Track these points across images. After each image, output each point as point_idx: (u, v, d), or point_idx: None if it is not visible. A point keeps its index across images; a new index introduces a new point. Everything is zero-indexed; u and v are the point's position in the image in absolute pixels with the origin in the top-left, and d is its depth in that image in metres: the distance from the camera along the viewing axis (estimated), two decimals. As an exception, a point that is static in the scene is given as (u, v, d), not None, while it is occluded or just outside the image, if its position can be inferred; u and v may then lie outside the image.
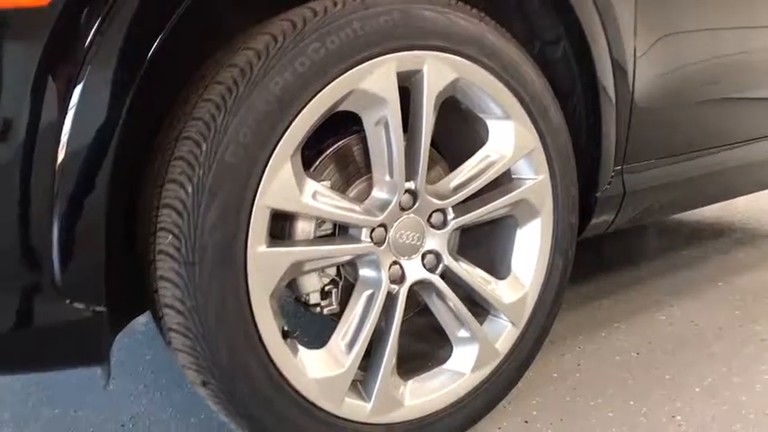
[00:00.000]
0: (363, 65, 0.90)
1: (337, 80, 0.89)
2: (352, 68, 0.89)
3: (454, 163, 1.14)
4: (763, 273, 2.07)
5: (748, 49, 1.61)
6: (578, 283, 1.94)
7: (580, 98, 1.27)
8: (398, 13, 0.93)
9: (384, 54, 0.92)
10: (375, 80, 0.92)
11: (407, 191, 1.03)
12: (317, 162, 1.03)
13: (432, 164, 1.11)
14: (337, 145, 1.05)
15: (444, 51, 0.99)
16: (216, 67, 0.86)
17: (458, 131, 1.16)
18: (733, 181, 1.82)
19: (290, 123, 0.85)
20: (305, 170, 0.99)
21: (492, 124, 1.11)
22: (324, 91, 0.88)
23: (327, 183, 1.00)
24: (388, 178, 1.00)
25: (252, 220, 0.83)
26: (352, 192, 1.05)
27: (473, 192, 1.09)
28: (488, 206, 1.11)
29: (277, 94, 0.83)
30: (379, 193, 1.01)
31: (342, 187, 1.05)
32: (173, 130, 0.84)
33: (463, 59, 1.01)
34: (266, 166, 0.84)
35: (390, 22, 0.92)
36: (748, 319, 1.67)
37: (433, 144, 1.06)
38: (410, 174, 1.02)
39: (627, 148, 1.33)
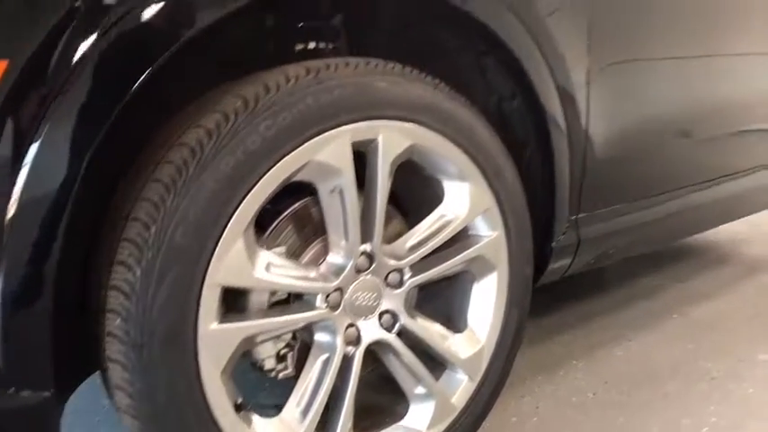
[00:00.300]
0: (317, 138, 0.91)
1: (291, 154, 0.89)
2: (305, 142, 0.90)
3: (412, 217, 1.15)
4: (718, 302, 2.12)
5: (706, 93, 1.66)
6: (539, 314, 1.97)
7: (535, 151, 1.30)
8: (352, 86, 0.94)
9: (338, 126, 0.93)
10: (330, 152, 0.93)
11: (363, 253, 1.04)
12: (273, 225, 1.03)
13: (387, 219, 1.12)
14: (293, 207, 1.05)
15: (399, 120, 1.00)
16: (167, 142, 0.85)
17: (416, 187, 1.17)
18: (696, 219, 1.86)
19: (242, 200, 0.85)
20: (260, 233, 0.99)
21: (448, 185, 1.12)
22: (277, 166, 0.88)
23: (282, 248, 1.00)
24: (343, 243, 1.01)
25: (202, 298, 0.83)
26: (309, 253, 1.05)
27: (429, 251, 1.10)
28: (445, 264, 1.12)
29: (228, 174, 0.83)
30: (334, 258, 1.02)
31: (298, 249, 1.05)
32: (122, 209, 0.83)
33: (418, 126, 1.02)
34: (217, 244, 0.84)
35: (344, 95, 0.93)
36: (700, 354, 1.72)
37: (390, 198, 1.07)
38: (366, 236, 1.03)
39: (581, 198, 1.36)
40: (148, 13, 0.79)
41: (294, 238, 1.05)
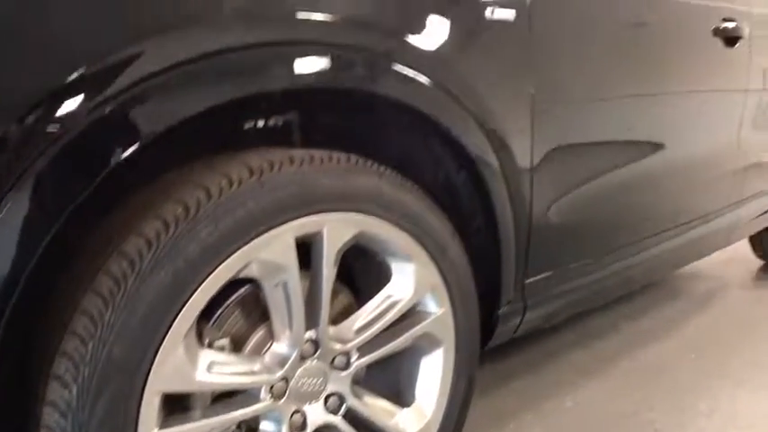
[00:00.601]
0: (260, 238, 0.92)
1: (233, 256, 0.90)
2: (248, 244, 0.91)
3: (363, 292, 1.17)
4: (666, 343, 2.18)
5: (653, 156, 1.70)
6: (492, 358, 2.00)
7: (481, 220, 1.32)
8: (296, 184, 0.95)
9: (282, 225, 0.94)
10: (273, 250, 0.94)
11: (309, 340, 1.05)
12: (217, 314, 1.03)
13: (333, 295, 1.11)
14: (238, 294, 1.05)
15: (343, 211, 1.01)
16: (106, 248, 0.85)
17: (364, 263, 1.18)
18: (649, 269, 1.91)
19: (183, 306, 0.86)
20: (205, 321, 0.99)
21: (395, 266, 1.14)
22: (219, 269, 0.89)
23: (225, 341, 1.01)
24: (288, 332, 1.02)
25: (142, 408, 0.83)
26: (254, 339, 1.05)
27: (376, 333, 1.12)
28: (392, 344, 1.14)
29: (168, 284, 0.83)
30: (279, 347, 1.02)
31: (243, 336, 1.05)
32: (58, 321, 0.83)
33: (363, 215, 1.04)
34: (157, 353, 0.84)
35: (288, 194, 0.94)
36: (646, 404, 1.76)
37: (338, 275, 1.08)
38: (311, 323, 1.04)
39: (528, 264, 1.39)
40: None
41: (239, 325, 1.05)
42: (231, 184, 0.89)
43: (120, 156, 0.80)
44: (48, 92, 0.76)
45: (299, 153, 0.99)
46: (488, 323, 1.38)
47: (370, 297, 1.14)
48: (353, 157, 1.05)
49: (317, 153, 1.01)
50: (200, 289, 0.87)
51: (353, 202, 1.02)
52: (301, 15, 0.94)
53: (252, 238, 0.91)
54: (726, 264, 3.00)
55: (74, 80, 0.77)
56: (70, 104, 0.77)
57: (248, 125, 1.16)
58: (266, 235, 0.92)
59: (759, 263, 3.04)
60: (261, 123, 1.17)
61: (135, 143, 0.82)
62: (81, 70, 0.77)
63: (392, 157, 1.17)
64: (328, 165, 1.00)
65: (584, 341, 2.18)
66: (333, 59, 0.96)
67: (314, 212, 0.97)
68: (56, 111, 0.76)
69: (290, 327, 1.01)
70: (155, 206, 0.87)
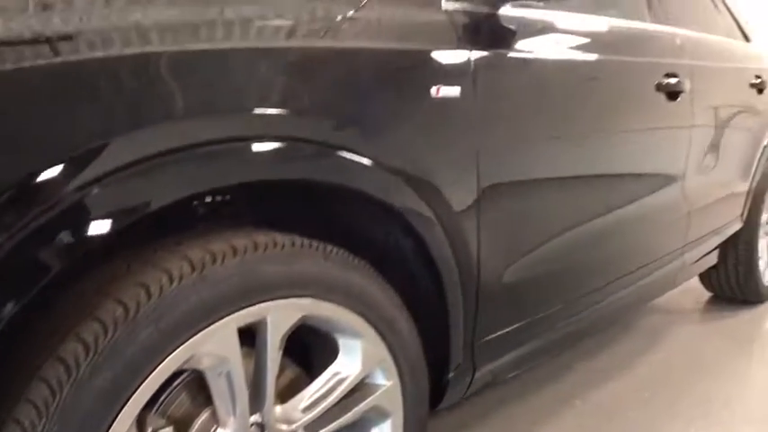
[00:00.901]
0: (202, 332, 0.92)
1: (174, 353, 0.89)
2: (189, 339, 0.91)
3: (314, 367, 1.17)
4: (619, 382, 2.23)
5: (602, 209, 1.75)
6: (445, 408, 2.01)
7: (430, 286, 1.34)
8: (238, 276, 0.95)
9: (225, 317, 0.94)
10: (215, 342, 0.94)
11: (254, 424, 1.05)
12: (161, 400, 1.02)
13: (280, 372, 1.10)
14: (183, 377, 1.04)
15: (288, 298, 1.02)
16: (42, 352, 0.84)
17: (316, 337, 1.19)
18: (606, 315, 1.95)
19: (122, 408, 0.85)
20: (147, 409, 0.98)
21: (342, 342, 1.15)
22: (159, 367, 0.88)
23: (169, 429, 1.00)
24: (232, 418, 1.02)
25: None
26: (197, 423, 1.04)
27: (324, 411, 1.12)
28: (340, 420, 1.15)
29: (106, 389, 0.83)
30: (224, 433, 1.03)
31: (187, 420, 1.04)
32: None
33: (308, 299, 1.05)
34: (95, 457, 0.83)
35: (230, 287, 0.94)
36: (597, 453, 1.81)
37: (285, 351, 1.08)
38: (256, 407, 1.04)
39: (476, 327, 1.41)
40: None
41: (183, 410, 1.04)
42: (172, 281, 0.89)
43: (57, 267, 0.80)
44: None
45: (241, 241, 0.98)
46: (438, 387, 1.39)
47: (323, 370, 1.15)
48: (298, 240, 1.06)
49: (261, 238, 1.01)
50: (140, 389, 0.86)
51: (298, 287, 1.03)
52: (252, 111, 0.95)
53: (194, 334, 0.91)
54: (677, 295, 3.07)
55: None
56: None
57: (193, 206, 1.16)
58: (208, 329, 0.92)
59: (708, 294, 3.14)
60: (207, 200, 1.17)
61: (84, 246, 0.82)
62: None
63: (340, 233, 1.18)
64: (272, 251, 1.01)
65: (539, 383, 2.20)
66: (281, 153, 0.97)
67: (257, 302, 0.98)
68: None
69: (235, 413, 1.01)
70: (93, 306, 0.86)
